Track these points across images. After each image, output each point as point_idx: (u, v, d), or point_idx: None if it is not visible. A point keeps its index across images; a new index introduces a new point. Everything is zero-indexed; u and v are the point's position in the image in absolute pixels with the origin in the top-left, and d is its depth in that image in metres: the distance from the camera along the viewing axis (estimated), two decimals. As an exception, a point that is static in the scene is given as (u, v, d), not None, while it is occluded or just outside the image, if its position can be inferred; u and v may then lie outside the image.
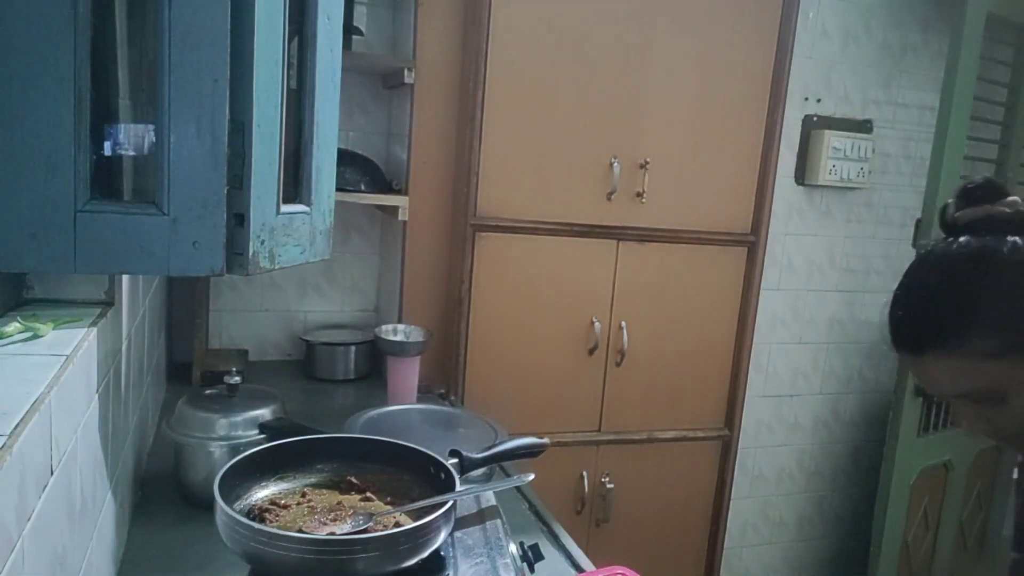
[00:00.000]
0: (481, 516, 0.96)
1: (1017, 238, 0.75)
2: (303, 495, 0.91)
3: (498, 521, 0.96)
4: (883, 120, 2.61)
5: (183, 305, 1.92)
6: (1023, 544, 0.81)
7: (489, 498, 1.00)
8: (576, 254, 1.95)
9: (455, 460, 0.98)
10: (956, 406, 0.80)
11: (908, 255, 2.38)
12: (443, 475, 0.92)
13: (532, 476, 1.00)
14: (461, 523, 0.93)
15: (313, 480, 0.95)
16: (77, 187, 0.70)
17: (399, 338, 1.72)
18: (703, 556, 2.27)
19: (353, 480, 0.94)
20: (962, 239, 0.77)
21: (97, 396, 0.83)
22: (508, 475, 1.33)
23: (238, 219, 0.78)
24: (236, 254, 0.78)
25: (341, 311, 2.16)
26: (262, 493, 0.90)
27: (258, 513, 0.85)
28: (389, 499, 0.92)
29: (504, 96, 1.81)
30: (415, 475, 0.95)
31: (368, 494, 0.92)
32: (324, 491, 0.93)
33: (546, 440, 1.14)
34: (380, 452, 0.97)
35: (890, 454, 2.29)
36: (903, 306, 0.80)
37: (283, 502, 0.88)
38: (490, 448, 1.08)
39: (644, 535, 2.15)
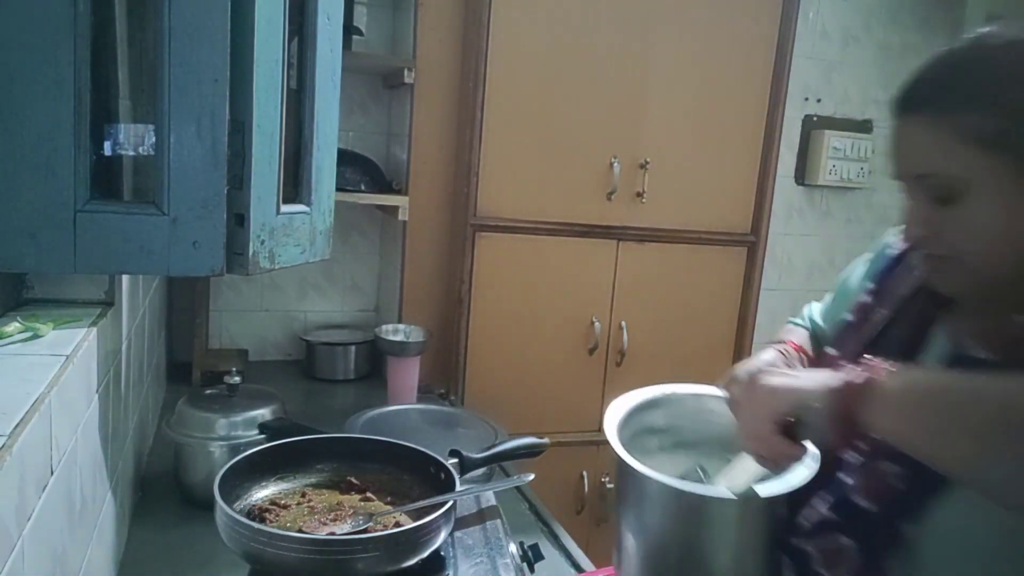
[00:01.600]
0: (481, 516, 0.96)
1: None
2: (303, 495, 0.91)
3: (498, 521, 0.96)
4: (883, 120, 2.61)
5: (183, 305, 1.92)
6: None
7: (489, 498, 1.00)
8: (576, 254, 1.95)
9: (455, 460, 0.98)
10: (910, 196, 0.72)
11: (908, 255, 2.39)
12: (443, 475, 0.92)
13: (532, 476, 1.00)
14: (461, 523, 0.93)
15: (313, 480, 0.95)
16: (77, 187, 0.70)
17: (399, 338, 1.72)
18: (703, 556, 2.27)
19: (353, 480, 0.94)
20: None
21: (97, 396, 0.83)
22: (508, 475, 1.33)
23: (238, 219, 0.78)
24: (236, 254, 0.78)
25: (341, 311, 2.16)
26: (262, 493, 0.90)
27: (258, 513, 0.85)
28: (389, 499, 0.92)
29: (504, 96, 1.81)
30: (415, 475, 0.95)
31: (368, 494, 0.92)
32: (324, 491, 0.93)
33: (546, 440, 1.14)
34: (380, 452, 0.97)
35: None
36: (922, 66, 0.71)
37: (283, 502, 0.88)
38: (490, 448, 1.08)
39: (644, 535, 2.15)
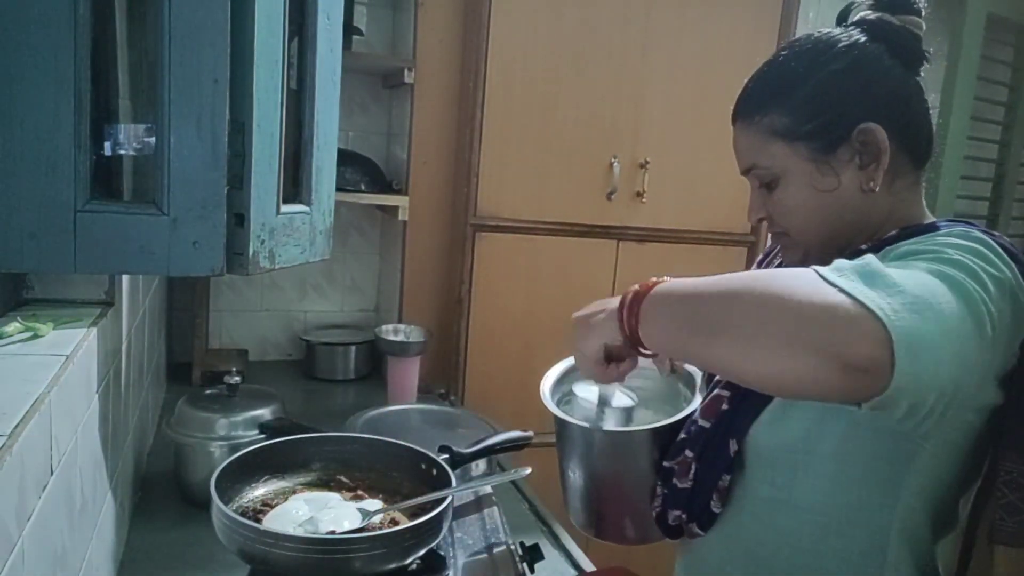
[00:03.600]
0: (478, 505, 0.97)
1: (864, 38, 0.77)
2: (293, 494, 0.91)
3: (495, 509, 0.96)
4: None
5: (183, 305, 1.92)
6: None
7: (486, 488, 1.00)
8: (576, 254, 1.95)
9: (445, 456, 0.98)
10: (751, 183, 0.85)
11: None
12: (435, 471, 0.92)
13: (528, 470, 1.00)
14: (458, 513, 0.93)
15: (302, 480, 0.95)
16: (77, 187, 0.70)
17: (399, 338, 1.73)
18: (703, 556, 2.27)
19: (343, 479, 0.94)
20: (833, 29, 0.81)
21: (97, 396, 0.83)
22: (505, 470, 1.33)
23: (238, 219, 0.78)
24: (236, 254, 0.78)
25: (341, 311, 2.16)
26: (253, 494, 0.91)
27: (252, 515, 0.85)
28: (380, 496, 0.92)
29: (504, 96, 1.81)
30: (404, 472, 0.95)
31: (359, 492, 0.92)
32: (314, 490, 0.93)
33: (530, 433, 1.17)
34: (368, 450, 0.97)
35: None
36: (751, 78, 0.84)
37: (275, 503, 0.88)
38: (478, 443, 1.09)
39: (644, 535, 2.15)
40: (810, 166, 0.77)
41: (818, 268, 0.58)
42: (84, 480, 0.76)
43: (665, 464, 0.85)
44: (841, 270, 0.57)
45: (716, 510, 0.82)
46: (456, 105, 1.85)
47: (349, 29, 1.83)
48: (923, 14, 0.81)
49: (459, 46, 1.83)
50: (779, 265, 0.95)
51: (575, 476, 0.92)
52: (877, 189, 0.76)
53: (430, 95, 1.82)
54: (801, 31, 2.21)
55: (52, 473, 0.63)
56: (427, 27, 1.79)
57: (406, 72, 1.76)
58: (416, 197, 1.83)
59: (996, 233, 0.72)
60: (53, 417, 0.63)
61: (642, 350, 0.71)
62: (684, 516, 0.84)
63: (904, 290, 0.55)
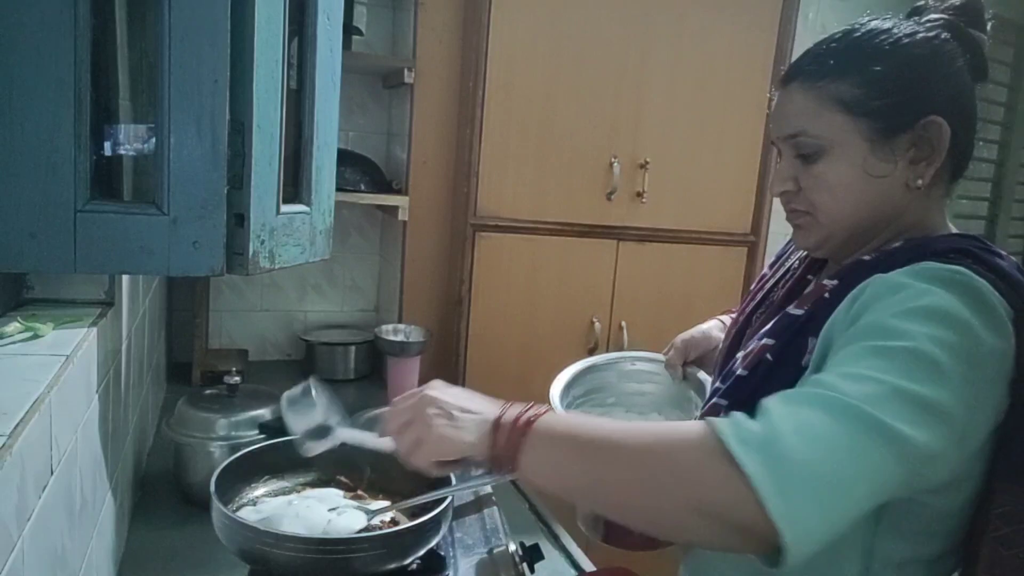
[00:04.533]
0: (478, 505, 0.97)
1: (948, 35, 0.76)
2: (294, 494, 0.91)
3: (495, 509, 0.96)
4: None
5: (183, 305, 1.92)
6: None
7: (485, 488, 1.00)
8: (576, 254, 1.95)
9: None
10: (781, 155, 0.81)
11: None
12: None
13: None
14: (458, 513, 0.93)
15: (303, 480, 0.95)
16: (77, 187, 0.70)
17: (399, 338, 1.73)
18: (703, 556, 2.27)
19: (343, 479, 0.94)
20: (909, 20, 0.79)
21: (97, 396, 0.83)
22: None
23: (238, 219, 0.78)
24: (236, 254, 0.78)
25: (341, 311, 2.16)
26: (253, 494, 0.91)
27: (253, 515, 0.85)
28: (380, 496, 0.92)
29: (504, 96, 1.81)
30: (404, 472, 0.95)
31: (359, 492, 0.93)
32: (314, 490, 0.93)
33: None
34: (368, 450, 0.97)
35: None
36: (822, 42, 0.81)
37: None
38: None
39: (644, 535, 2.14)
40: (866, 145, 0.74)
41: (724, 434, 0.60)
42: (84, 480, 0.76)
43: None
44: (746, 442, 0.59)
45: None
46: (456, 105, 1.84)
47: (349, 29, 1.83)
48: (988, 35, 0.80)
49: (459, 46, 1.83)
50: (792, 266, 0.93)
51: None
52: (923, 187, 0.75)
53: (430, 95, 1.82)
54: (801, 31, 2.21)
55: (52, 473, 0.63)
56: (427, 27, 1.79)
57: (406, 72, 1.76)
58: (416, 197, 1.83)
59: (1003, 258, 0.71)
60: (53, 417, 0.63)
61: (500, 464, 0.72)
62: None
63: (795, 461, 0.58)
